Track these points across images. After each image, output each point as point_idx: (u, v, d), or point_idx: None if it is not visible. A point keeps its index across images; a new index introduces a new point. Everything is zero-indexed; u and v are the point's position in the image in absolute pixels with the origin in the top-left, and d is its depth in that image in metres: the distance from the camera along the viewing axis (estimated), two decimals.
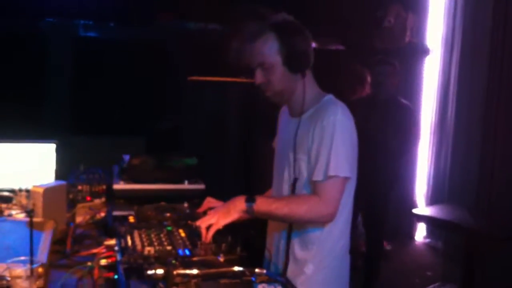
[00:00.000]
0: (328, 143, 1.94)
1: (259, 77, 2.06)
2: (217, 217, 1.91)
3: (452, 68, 5.67)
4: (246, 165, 5.81)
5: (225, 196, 2.17)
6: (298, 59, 2.01)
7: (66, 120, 5.67)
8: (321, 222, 2.02)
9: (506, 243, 4.13)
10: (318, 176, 1.95)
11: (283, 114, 2.29)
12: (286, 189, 2.13)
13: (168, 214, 2.26)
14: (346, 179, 1.97)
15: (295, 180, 2.07)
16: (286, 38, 1.99)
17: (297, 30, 2.02)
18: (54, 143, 2.85)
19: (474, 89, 5.32)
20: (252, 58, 2.04)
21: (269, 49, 2.01)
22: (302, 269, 2.07)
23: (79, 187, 2.68)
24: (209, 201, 2.22)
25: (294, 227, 2.08)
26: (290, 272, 2.06)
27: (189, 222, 2.12)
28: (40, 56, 5.62)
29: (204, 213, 2.09)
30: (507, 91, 4.96)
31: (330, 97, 2.09)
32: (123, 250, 1.78)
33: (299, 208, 1.93)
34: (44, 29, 5.55)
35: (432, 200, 5.94)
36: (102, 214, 2.44)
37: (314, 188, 1.98)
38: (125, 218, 2.20)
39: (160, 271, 1.48)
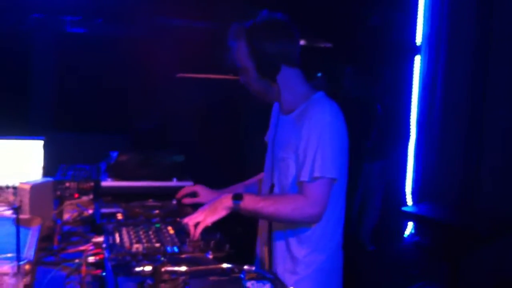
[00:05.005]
0: (315, 143, 1.93)
1: (241, 78, 2.11)
2: (205, 214, 1.92)
3: (439, 66, 5.70)
4: (235, 162, 5.81)
5: None
6: (265, 66, 2.01)
7: (53, 116, 5.63)
8: (307, 222, 2.01)
9: (491, 241, 4.17)
10: (304, 176, 1.95)
11: (276, 110, 2.29)
12: (269, 187, 2.14)
13: (156, 211, 2.25)
14: (333, 180, 1.96)
15: (272, 186, 2.10)
16: (254, 45, 2.00)
17: (268, 35, 2.00)
18: (42, 139, 2.82)
19: (460, 88, 5.35)
20: (234, 59, 2.08)
21: (243, 54, 2.03)
22: (294, 269, 2.07)
23: (67, 184, 2.64)
24: (186, 189, 2.36)
25: (286, 226, 2.07)
26: (282, 271, 2.07)
27: (178, 219, 2.12)
28: (27, 52, 5.58)
29: (190, 209, 2.11)
30: (493, 90, 5.00)
31: (320, 94, 2.08)
32: (111, 247, 1.77)
33: (285, 208, 1.93)
34: (31, 25, 5.50)
35: (419, 198, 5.97)
36: (90, 211, 2.43)
37: (300, 188, 1.98)
38: (113, 215, 2.19)
39: (148, 268, 1.48)
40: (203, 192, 2.36)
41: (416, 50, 6.11)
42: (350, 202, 5.02)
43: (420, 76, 6.07)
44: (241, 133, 5.83)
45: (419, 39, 6.10)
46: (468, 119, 5.24)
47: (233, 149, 5.95)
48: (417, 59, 6.13)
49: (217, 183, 2.44)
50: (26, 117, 5.47)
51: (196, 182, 2.71)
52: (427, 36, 5.92)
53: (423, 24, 6.01)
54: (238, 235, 2.18)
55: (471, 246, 4.25)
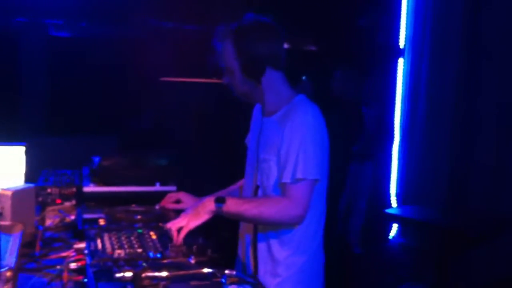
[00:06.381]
0: (297, 144, 1.95)
1: (225, 78, 2.12)
2: (188, 219, 1.92)
3: (422, 67, 5.74)
4: (222, 166, 5.80)
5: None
6: (251, 67, 2.02)
7: (37, 121, 5.60)
8: (290, 224, 2.02)
9: (477, 242, 4.19)
10: (286, 178, 1.96)
11: (257, 112, 2.29)
12: (253, 189, 2.14)
13: (139, 217, 2.24)
14: (315, 181, 1.98)
15: (257, 187, 2.10)
16: (241, 46, 2.01)
17: (255, 36, 2.01)
18: (24, 145, 2.80)
19: (446, 88, 5.39)
20: (219, 60, 2.09)
21: (228, 55, 2.04)
22: (275, 270, 2.07)
23: (49, 190, 2.63)
24: (170, 196, 2.33)
25: (268, 228, 2.08)
26: (264, 274, 2.07)
27: (160, 224, 2.11)
28: (11, 56, 5.54)
29: (173, 214, 2.10)
30: (477, 91, 5.03)
31: (301, 97, 2.09)
32: (93, 253, 1.76)
33: (268, 210, 1.94)
34: (15, 29, 5.47)
35: (404, 200, 6.00)
36: (72, 217, 2.42)
37: (283, 189, 1.99)
38: (96, 220, 2.18)
39: (128, 274, 1.47)
40: (187, 199, 2.36)
41: (399, 52, 6.15)
42: (337, 203, 5.08)
43: (403, 78, 6.11)
44: (232, 138, 5.83)
45: (402, 42, 6.14)
46: (455, 120, 5.27)
47: (223, 153, 5.94)
48: (401, 62, 6.17)
49: (205, 188, 2.43)
50: (12, 122, 5.42)
51: (184, 186, 2.71)
52: (411, 39, 5.96)
53: (406, 27, 6.06)
54: (221, 239, 2.18)
55: (460, 248, 4.28)
